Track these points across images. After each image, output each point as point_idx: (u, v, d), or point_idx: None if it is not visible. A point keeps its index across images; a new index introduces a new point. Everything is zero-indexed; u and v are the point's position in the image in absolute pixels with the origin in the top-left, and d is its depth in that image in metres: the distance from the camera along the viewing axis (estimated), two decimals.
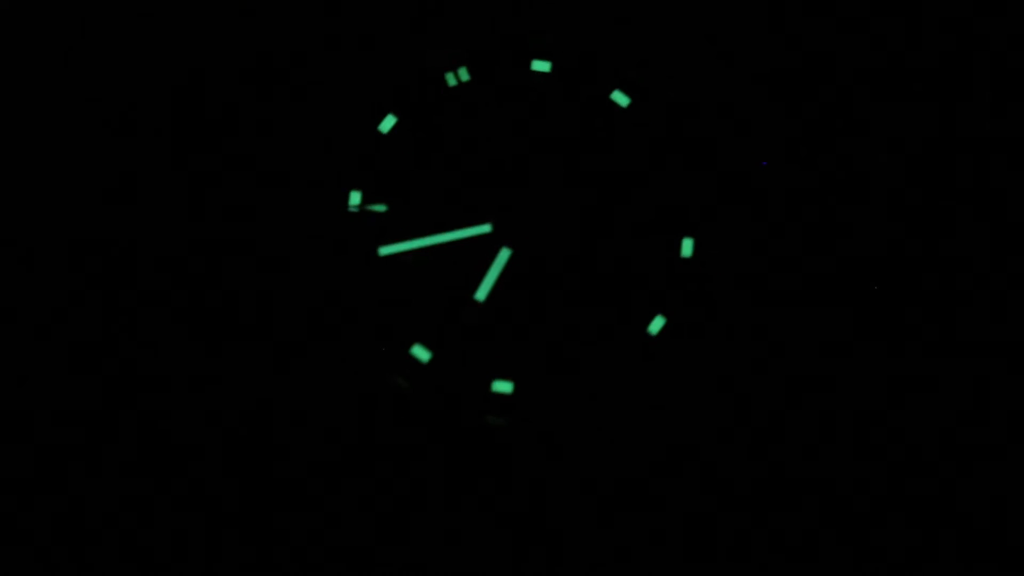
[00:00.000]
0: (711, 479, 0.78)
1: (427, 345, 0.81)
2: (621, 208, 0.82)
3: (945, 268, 0.80)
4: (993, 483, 0.78)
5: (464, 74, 0.84)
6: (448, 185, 0.82)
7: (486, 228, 0.82)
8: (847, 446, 0.78)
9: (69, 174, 0.80)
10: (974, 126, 0.82)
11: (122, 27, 0.82)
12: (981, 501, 0.78)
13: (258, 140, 0.81)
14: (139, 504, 0.77)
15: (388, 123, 0.83)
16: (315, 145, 0.82)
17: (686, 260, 0.82)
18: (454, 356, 0.81)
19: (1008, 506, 0.77)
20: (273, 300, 0.80)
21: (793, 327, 0.80)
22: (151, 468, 0.77)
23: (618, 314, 0.81)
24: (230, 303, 0.79)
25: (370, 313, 0.81)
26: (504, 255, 0.81)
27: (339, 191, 0.82)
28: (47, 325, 0.78)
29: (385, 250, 0.81)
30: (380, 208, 0.82)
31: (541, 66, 0.84)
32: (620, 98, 0.84)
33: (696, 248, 0.82)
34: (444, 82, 0.84)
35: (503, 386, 0.81)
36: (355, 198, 0.82)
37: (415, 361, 0.81)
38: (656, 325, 0.81)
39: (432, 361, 0.81)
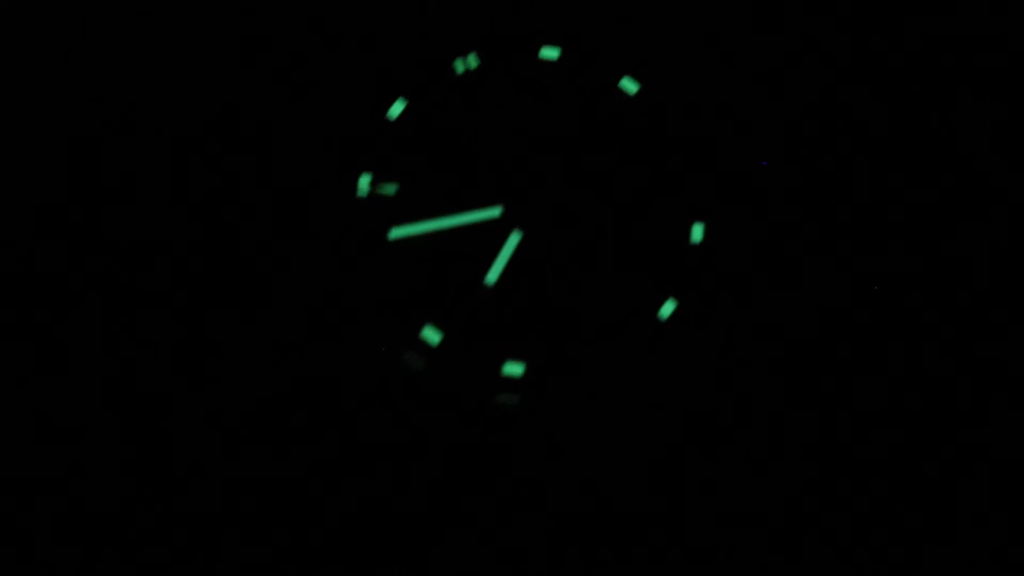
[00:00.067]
0: (717, 473, 0.77)
1: (438, 327, 0.80)
2: (630, 193, 0.82)
3: (953, 265, 0.81)
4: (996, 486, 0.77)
5: (473, 60, 0.84)
6: (457, 169, 0.82)
7: (496, 212, 0.81)
8: (852, 442, 0.77)
9: (74, 170, 0.80)
10: (976, 126, 0.83)
11: (122, 27, 0.82)
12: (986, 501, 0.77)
13: (267, 126, 0.81)
14: (148, 503, 0.75)
15: (397, 108, 0.83)
16: (324, 131, 0.82)
17: (696, 245, 0.82)
18: (465, 339, 0.80)
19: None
20: (284, 286, 0.79)
21: (799, 316, 0.80)
22: (161, 463, 0.76)
23: (628, 298, 0.81)
24: (238, 290, 0.78)
25: (380, 297, 0.80)
26: (514, 239, 0.81)
27: (348, 176, 0.82)
28: (47, 325, 0.78)
29: (395, 233, 0.81)
30: (389, 192, 0.82)
31: (550, 53, 0.84)
32: (629, 84, 0.84)
33: (706, 233, 0.82)
34: (453, 68, 0.84)
35: (514, 368, 0.80)
36: (364, 183, 0.82)
37: (426, 344, 0.80)
38: (667, 310, 0.81)
39: (442, 344, 0.80)
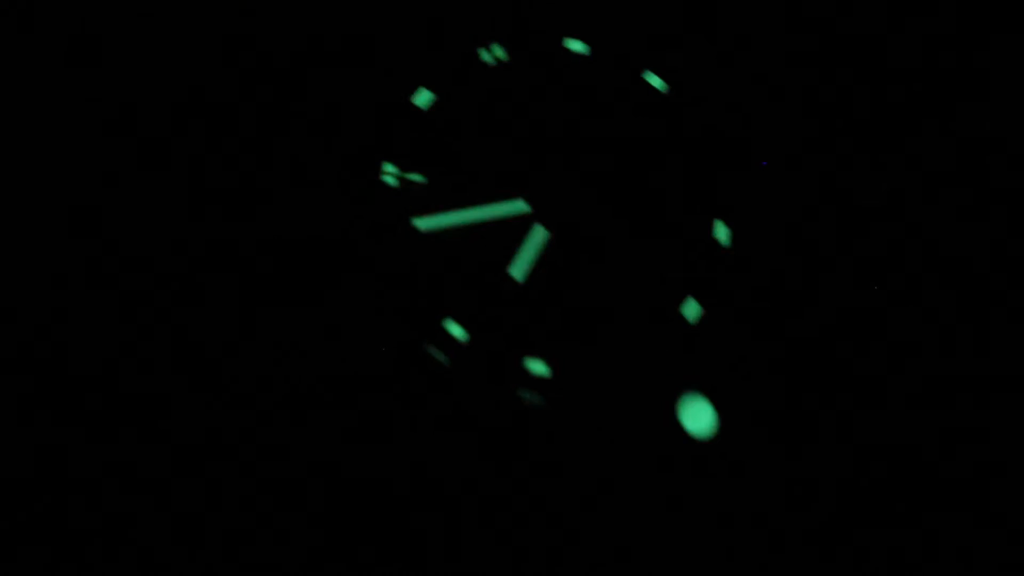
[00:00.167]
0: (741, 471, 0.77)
1: (462, 323, 0.79)
2: (656, 190, 0.82)
3: (975, 263, 0.81)
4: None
5: (499, 51, 0.83)
6: (484, 162, 0.81)
7: (523, 206, 0.80)
8: (875, 443, 0.78)
9: (77, 170, 0.78)
10: (982, 126, 0.84)
11: (123, 27, 0.80)
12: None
13: (295, 115, 0.79)
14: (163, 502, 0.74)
15: (424, 98, 0.82)
16: (352, 119, 0.80)
17: (721, 244, 0.82)
18: (489, 334, 0.79)
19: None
20: (309, 274, 0.77)
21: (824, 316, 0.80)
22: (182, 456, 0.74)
23: (652, 296, 0.80)
24: (268, 277, 0.77)
25: (406, 288, 0.79)
26: (540, 234, 0.80)
27: (376, 165, 0.80)
28: (47, 325, 0.76)
29: (423, 224, 0.80)
30: (416, 183, 0.81)
31: (576, 45, 0.83)
32: (655, 80, 0.83)
33: (731, 233, 0.82)
34: (479, 58, 0.83)
35: (538, 366, 0.79)
36: (392, 172, 0.81)
37: (450, 338, 0.79)
38: (690, 309, 0.80)
39: (467, 339, 0.79)
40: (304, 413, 0.75)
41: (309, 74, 0.80)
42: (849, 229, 0.82)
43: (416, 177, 0.80)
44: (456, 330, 0.79)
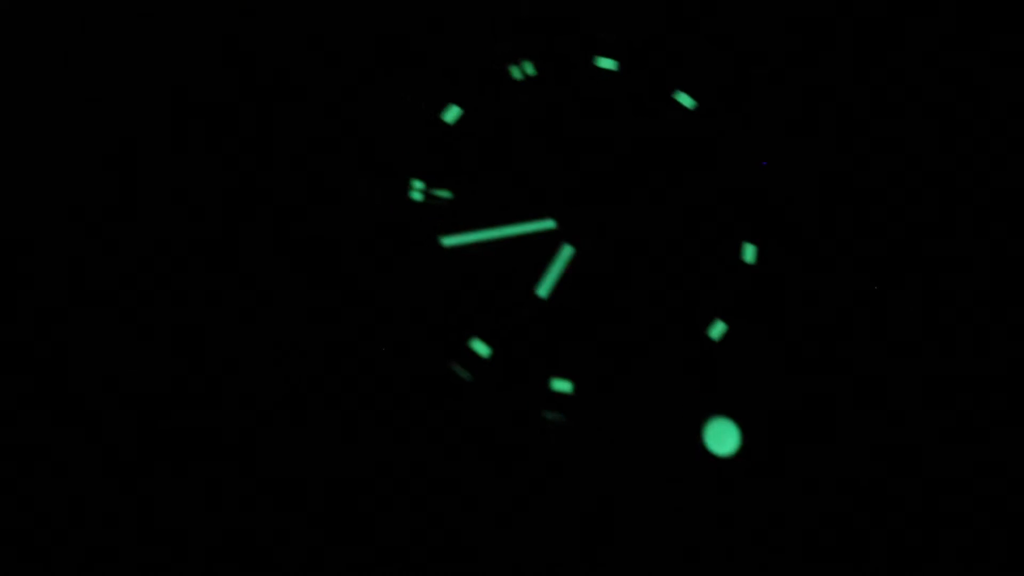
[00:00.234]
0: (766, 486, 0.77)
1: (487, 340, 0.79)
2: (685, 210, 0.81)
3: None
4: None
5: (529, 68, 0.83)
6: (512, 179, 0.81)
7: (550, 224, 0.80)
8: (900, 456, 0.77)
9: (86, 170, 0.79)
10: (984, 127, 0.83)
11: (123, 27, 0.80)
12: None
13: (323, 128, 0.80)
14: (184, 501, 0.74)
15: (453, 114, 0.82)
16: (380, 134, 0.80)
17: (749, 265, 0.81)
18: (514, 352, 0.79)
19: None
20: (335, 288, 0.78)
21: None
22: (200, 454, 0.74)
23: (679, 317, 0.80)
24: (293, 292, 0.77)
25: (431, 304, 0.79)
26: (567, 252, 0.80)
27: (403, 180, 0.80)
28: (46, 326, 0.76)
29: (448, 241, 0.79)
30: (443, 198, 0.80)
31: (607, 63, 0.83)
32: (685, 99, 0.83)
33: (759, 254, 0.81)
34: (509, 75, 0.83)
35: (562, 384, 0.79)
36: (418, 188, 0.81)
37: (475, 355, 0.79)
38: (717, 330, 0.80)
39: (491, 356, 0.79)
40: (313, 418, 0.76)
41: (338, 87, 0.80)
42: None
43: (443, 193, 0.80)
44: (480, 347, 0.79)
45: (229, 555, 0.73)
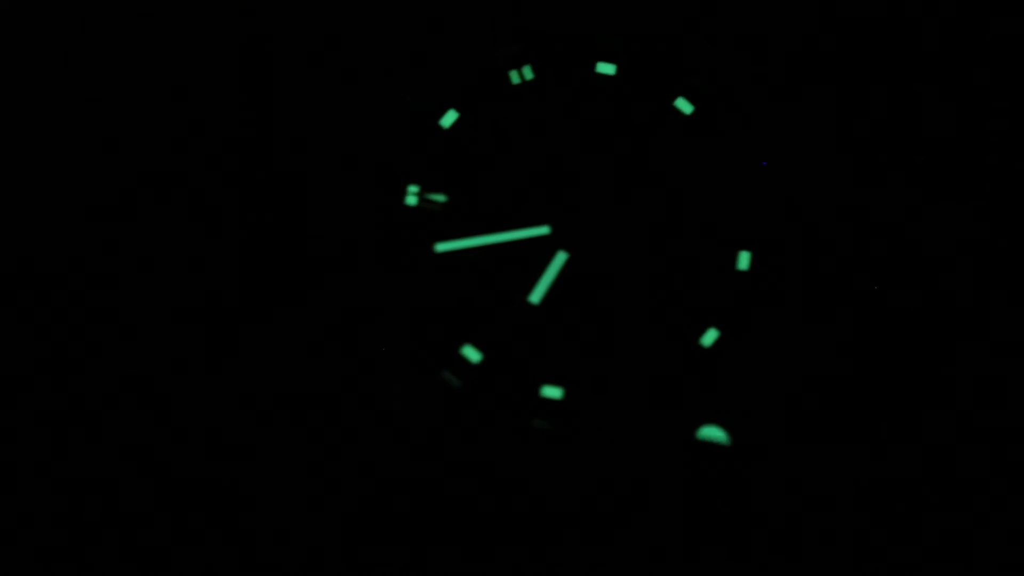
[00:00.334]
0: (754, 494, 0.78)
1: (478, 346, 0.80)
2: (679, 217, 0.81)
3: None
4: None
5: (528, 72, 0.83)
6: (507, 184, 0.81)
7: (544, 230, 0.81)
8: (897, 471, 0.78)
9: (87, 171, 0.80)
10: (986, 121, 0.81)
11: (124, 27, 0.81)
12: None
13: (318, 132, 0.80)
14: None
15: (450, 118, 0.82)
16: (376, 138, 0.81)
17: (742, 273, 0.81)
18: (505, 358, 0.80)
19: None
20: (330, 294, 0.79)
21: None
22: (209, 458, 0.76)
23: (672, 324, 0.81)
24: (288, 298, 0.78)
25: (424, 309, 0.80)
26: (561, 258, 0.80)
27: (399, 185, 0.81)
28: (47, 324, 0.78)
29: (442, 247, 0.80)
30: (439, 203, 0.81)
31: (606, 68, 0.83)
32: (684, 105, 0.82)
33: (752, 261, 0.81)
34: (508, 79, 0.83)
35: (552, 391, 0.80)
36: (414, 193, 0.81)
37: (465, 361, 0.80)
38: (709, 338, 0.81)
39: (482, 362, 0.80)
40: (308, 418, 0.77)
41: (334, 89, 0.80)
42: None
43: (439, 198, 0.81)
44: (472, 353, 0.80)
45: (225, 555, 0.75)
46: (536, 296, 0.80)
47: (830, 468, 0.78)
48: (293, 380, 0.78)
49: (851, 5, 0.82)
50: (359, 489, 0.76)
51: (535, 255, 0.81)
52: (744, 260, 0.82)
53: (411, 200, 0.81)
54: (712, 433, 0.78)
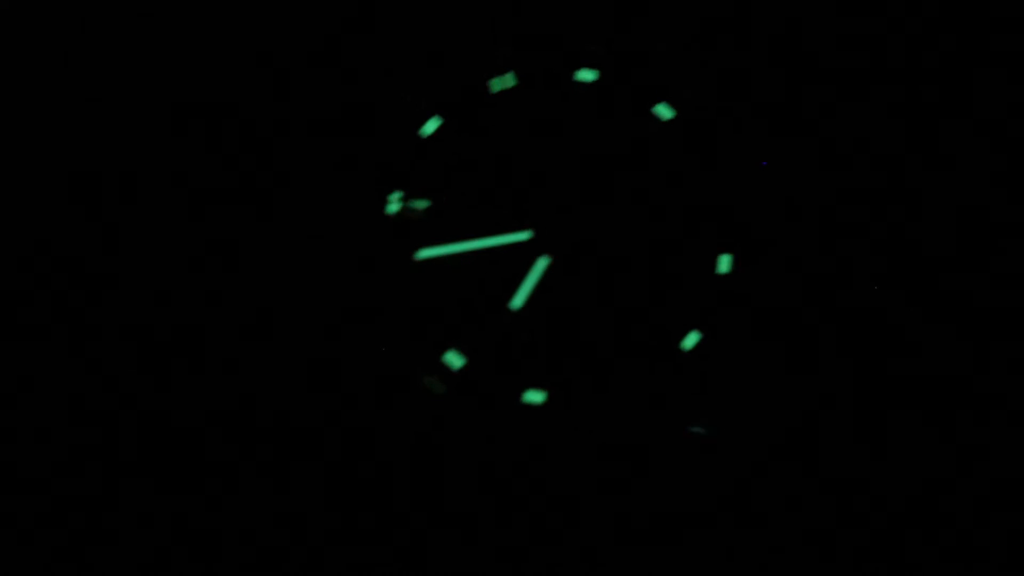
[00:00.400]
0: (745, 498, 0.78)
1: (460, 352, 0.81)
2: (659, 221, 0.82)
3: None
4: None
5: (510, 80, 0.83)
6: (488, 190, 0.82)
7: (525, 235, 0.81)
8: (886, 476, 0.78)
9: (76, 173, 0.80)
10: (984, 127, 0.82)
11: (124, 27, 0.81)
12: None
13: (297, 141, 0.81)
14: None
15: (431, 126, 0.82)
16: (355, 148, 0.81)
17: (723, 276, 0.82)
18: (487, 364, 0.80)
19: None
20: (309, 303, 0.79)
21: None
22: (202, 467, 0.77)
23: (653, 328, 0.81)
24: (267, 306, 0.79)
25: (405, 317, 0.81)
26: (542, 264, 0.81)
27: (379, 194, 0.82)
28: (45, 324, 0.78)
29: (423, 254, 0.81)
30: (420, 211, 0.82)
31: (587, 75, 0.83)
32: (663, 110, 0.83)
33: (733, 264, 0.82)
34: (489, 87, 0.83)
35: (535, 396, 0.80)
36: (395, 201, 0.82)
37: (447, 367, 0.80)
38: (690, 341, 0.81)
39: (464, 368, 0.80)
40: (300, 426, 0.78)
41: (314, 96, 0.81)
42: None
43: (420, 204, 0.82)
44: (454, 359, 0.80)
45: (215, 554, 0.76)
46: (519, 300, 0.81)
47: (829, 468, 0.78)
48: (279, 388, 0.78)
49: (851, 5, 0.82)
50: (338, 494, 0.77)
51: (518, 260, 0.81)
52: (725, 263, 0.82)
53: (393, 207, 0.82)
54: (698, 430, 0.79)
